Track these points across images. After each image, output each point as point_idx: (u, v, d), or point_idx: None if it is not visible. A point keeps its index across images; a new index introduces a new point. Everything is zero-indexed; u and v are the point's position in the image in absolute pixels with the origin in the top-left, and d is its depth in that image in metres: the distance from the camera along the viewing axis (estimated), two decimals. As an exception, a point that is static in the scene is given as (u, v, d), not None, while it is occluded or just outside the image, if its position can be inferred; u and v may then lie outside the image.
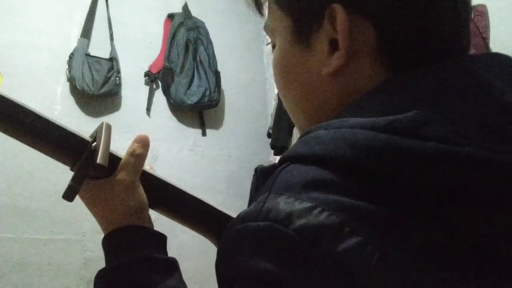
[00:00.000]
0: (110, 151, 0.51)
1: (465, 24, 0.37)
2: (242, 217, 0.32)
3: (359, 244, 0.26)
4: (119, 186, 0.50)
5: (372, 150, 0.28)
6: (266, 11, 0.46)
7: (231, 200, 2.65)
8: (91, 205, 0.52)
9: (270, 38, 0.45)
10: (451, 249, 0.26)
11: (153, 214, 0.55)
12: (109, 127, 0.51)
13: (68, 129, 0.49)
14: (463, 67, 0.33)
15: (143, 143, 0.53)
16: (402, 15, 0.35)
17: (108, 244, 0.51)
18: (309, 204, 0.28)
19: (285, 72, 0.42)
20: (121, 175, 0.50)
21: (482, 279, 0.26)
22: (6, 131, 0.47)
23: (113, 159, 0.51)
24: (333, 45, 0.37)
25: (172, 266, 0.50)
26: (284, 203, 0.29)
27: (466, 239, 0.26)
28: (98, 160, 0.47)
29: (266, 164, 0.40)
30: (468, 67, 0.32)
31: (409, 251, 0.26)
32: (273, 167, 0.36)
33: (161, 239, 0.53)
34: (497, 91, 0.30)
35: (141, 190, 0.52)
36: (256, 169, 0.39)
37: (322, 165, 0.30)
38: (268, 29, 0.45)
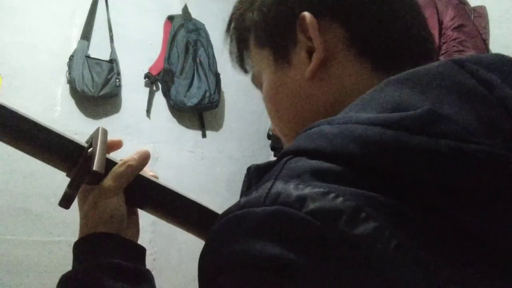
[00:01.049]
0: (108, 156, 0.50)
1: (424, 21, 0.42)
2: (243, 204, 0.29)
3: (376, 229, 0.25)
4: (98, 191, 0.49)
5: (381, 147, 0.27)
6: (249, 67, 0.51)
7: (231, 202, 2.62)
8: (80, 209, 0.52)
9: (258, 84, 0.49)
10: (462, 246, 0.26)
11: (152, 217, 0.55)
12: (105, 132, 0.51)
13: (64, 135, 0.49)
14: (464, 67, 0.32)
15: (141, 157, 0.52)
16: (365, 12, 0.39)
17: (76, 248, 0.49)
18: (322, 190, 0.27)
19: (275, 98, 0.46)
20: (104, 181, 0.50)
21: (493, 275, 0.26)
22: (0, 138, 0.47)
23: (111, 165, 0.50)
24: (310, 52, 0.41)
25: (141, 275, 0.49)
26: (294, 188, 0.27)
27: (478, 237, 0.26)
28: (94, 167, 0.46)
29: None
30: (470, 67, 0.32)
31: (423, 244, 0.25)
32: (269, 164, 0.35)
33: (136, 249, 0.51)
34: (500, 91, 0.30)
35: (118, 200, 0.50)
36: (249, 168, 0.38)
37: (329, 160, 0.29)
38: (255, 77, 0.49)
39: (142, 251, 0.52)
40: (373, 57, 0.40)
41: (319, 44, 0.40)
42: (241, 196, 0.36)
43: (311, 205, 0.26)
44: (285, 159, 0.32)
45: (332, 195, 0.26)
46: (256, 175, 0.36)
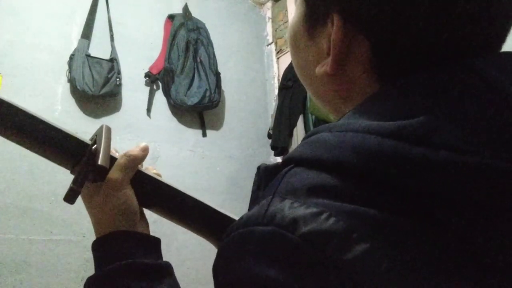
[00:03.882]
0: (111, 154, 0.51)
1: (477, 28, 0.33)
2: (245, 221, 0.31)
3: (367, 251, 0.25)
4: (107, 185, 0.50)
5: (380, 158, 0.27)
6: None
7: (231, 201, 2.65)
8: (88, 207, 0.52)
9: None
10: (461, 260, 0.25)
11: (154, 215, 0.55)
12: (109, 130, 0.51)
13: (68, 132, 0.49)
14: (474, 69, 0.31)
15: (141, 148, 0.53)
16: (396, 31, 0.33)
17: (97, 251, 0.50)
18: (315, 210, 0.27)
19: (294, 45, 0.44)
20: (110, 174, 0.50)
21: None
22: (5, 135, 0.47)
23: (113, 161, 0.51)
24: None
25: (163, 271, 0.49)
26: (289, 208, 0.28)
27: (476, 250, 0.26)
28: (99, 162, 0.47)
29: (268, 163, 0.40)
30: (481, 69, 0.31)
31: (417, 261, 0.25)
32: (276, 166, 0.35)
33: (153, 242, 0.52)
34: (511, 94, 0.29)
35: (129, 191, 0.51)
36: (258, 167, 0.38)
37: (327, 170, 0.29)
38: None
39: (158, 243, 0.53)
40: (389, 81, 0.36)
41: (335, 55, 0.37)
42: (252, 194, 0.38)
43: (304, 228, 0.27)
44: (285, 170, 0.33)
45: (324, 215, 0.27)
46: (265, 176, 0.37)
